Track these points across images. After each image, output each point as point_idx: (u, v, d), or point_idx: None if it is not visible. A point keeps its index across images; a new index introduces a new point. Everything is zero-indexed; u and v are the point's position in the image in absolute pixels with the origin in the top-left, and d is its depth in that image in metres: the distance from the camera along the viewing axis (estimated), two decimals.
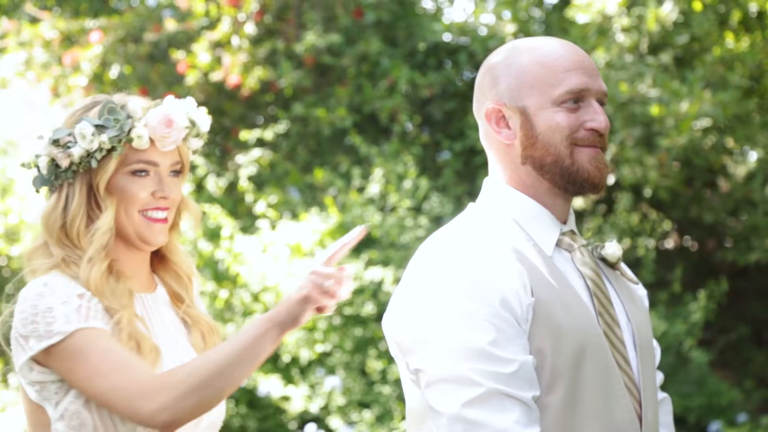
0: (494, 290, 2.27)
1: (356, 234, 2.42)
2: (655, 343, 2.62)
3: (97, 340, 2.40)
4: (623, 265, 2.59)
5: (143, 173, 2.56)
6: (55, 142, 2.53)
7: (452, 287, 2.29)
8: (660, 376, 2.64)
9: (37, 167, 2.58)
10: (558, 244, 2.44)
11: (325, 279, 2.38)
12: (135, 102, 2.56)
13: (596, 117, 2.39)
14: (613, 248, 2.50)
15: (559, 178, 2.41)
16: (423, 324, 2.30)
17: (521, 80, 2.42)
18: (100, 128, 2.51)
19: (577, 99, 2.39)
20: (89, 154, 2.53)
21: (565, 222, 2.47)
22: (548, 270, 2.36)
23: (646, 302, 2.63)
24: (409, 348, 2.34)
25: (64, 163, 2.53)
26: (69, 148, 2.53)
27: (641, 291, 2.63)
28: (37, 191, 2.61)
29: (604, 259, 2.51)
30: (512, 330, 2.25)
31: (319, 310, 2.41)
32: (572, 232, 2.47)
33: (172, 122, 2.56)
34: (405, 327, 2.34)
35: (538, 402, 2.27)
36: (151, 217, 2.58)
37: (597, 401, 2.31)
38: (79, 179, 2.55)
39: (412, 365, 2.33)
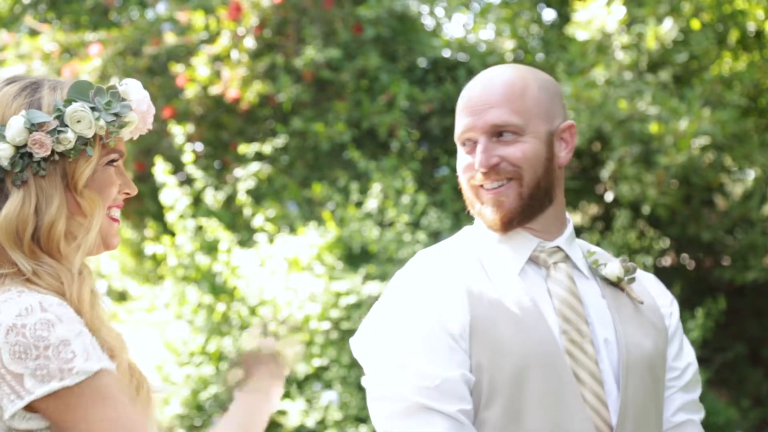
0: (430, 309, 2.36)
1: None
2: (685, 363, 2.58)
3: (117, 386, 2.03)
4: (641, 282, 2.60)
5: (114, 163, 2.19)
6: (33, 127, 2.07)
7: (393, 308, 2.41)
8: (691, 396, 2.58)
9: None
10: (534, 260, 2.48)
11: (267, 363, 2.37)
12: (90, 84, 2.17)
13: (476, 157, 2.44)
14: (611, 267, 2.52)
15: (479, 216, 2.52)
16: (367, 343, 2.42)
17: None
18: (94, 111, 2.12)
19: (470, 139, 2.47)
20: (85, 141, 2.11)
21: (553, 238, 2.50)
22: (503, 288, 2.41)
23: (669, 320, 2.59)
24: (363, 367, 2.44)
25: (42, 152, 2.07)
26: (60, 133, 2.09)
27: (665, 309, 2.60)
28: None
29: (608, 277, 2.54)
30: (443, 347, 2.33)
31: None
32: (558, 248, 2.50)
33: (151, 107, 2.22)
34: (358, 346, 2.46)
35: (477, 417, 2.32)
36: (113, 216, 2.22)
37: (544, 417, 2.33)
38: (52, 172, 2.10)
39: (363, 383, 2.43)
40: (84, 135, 2.09)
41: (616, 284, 2.53)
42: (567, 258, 2.50)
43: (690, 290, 8.75)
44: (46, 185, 2.09)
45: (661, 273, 8.64)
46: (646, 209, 7.99)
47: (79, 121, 2.09)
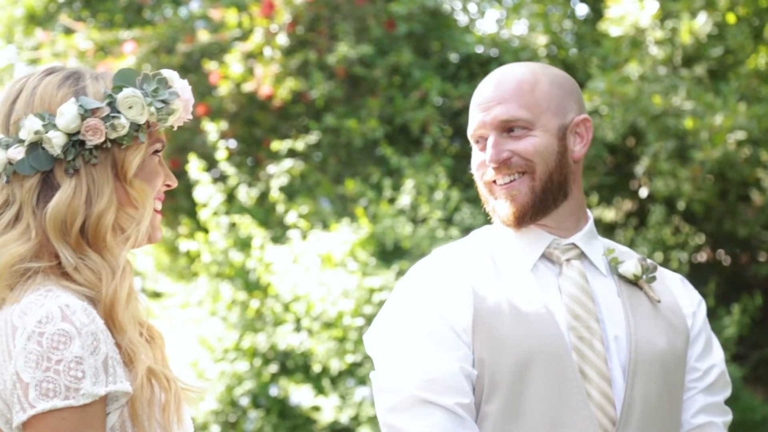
0: (433, 304, 2.38)
1: None
2: (709, 364, 2.55)
3: (102, 419, 1.96)
4: (664, 282, 2.58)
5: (158, 153, 2.16)
6: (87, 114, 2.03)
7: (399, 303, 2.44)
8: (714, 398, 2.55)
9: (38, 145, 2.04)
10: (548, 257, 2.48)
11: None
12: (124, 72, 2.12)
13: (486, 152, 2.45)
14: (628, 266, 2.52)
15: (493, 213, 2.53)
16: (374, 337, 2.45)
17: None
18: (145, 97, 2.08)
19: (482, 136, 2.48)
20: (137, 128, 2.07)
21: (568, 235, 2.50)
22: (513, 284, 2.42)
23: (691, 321, 2.56)
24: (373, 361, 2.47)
25: (95, 139, 2.03)
26: (114, 119, 2.05)
27: (688, 309, 2.57)
28: (25, 175, 2.05)
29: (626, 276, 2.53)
30: (445, 341, 2.35)
31: None
32: (573, 245, 2.50)
33: (191, 96, 2.19)
34: (368, 341, 2.47)
35: (479, 412, 2.34)
36: (156, 208, 2.17)
37: (544, 412, 2.34)
38: (103, 161, 2.06)
39: (371, 377, 2.45)
40: (136, 121, 2.06)
41: (634, 282, 2.53)
42: (582, 255, 2.50)
43: (726, 286, 8.68)
44: (97, 175, 2.05)
45: (696, 269, 8.59)
46: (681, 205, 7.93)
47: (131, 107, 2.05)
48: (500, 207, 2.47)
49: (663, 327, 2.49)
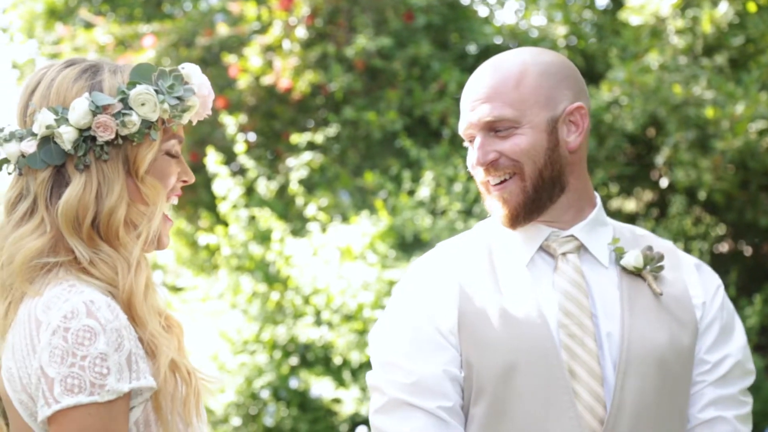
0: (421, 305, 2.38)
1: None
2: (720, 355, 2.45)
3: (125, 417, 1.97)
4: (678, 269, 2.50)
5: (175, 152, 2.15)
6: (98, 110, 2.02)
7: (393, 304, 2.44)
8: (725, 391, 2.45)
9: (50, 139, 2.04)
10: (546, 249, 2.44)
11: None
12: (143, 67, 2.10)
13: (474, 153, 2.42)
14: (629, 257, 2.45)
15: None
16: (372, 337, 2.45)
17: None
18: (158, 94, 2.07)
19: (472, 136, 2.45)
20: (149, 125, 2.07)
21: (567, 227, 2.45)
22: (506, 281, 2.39)
23: (701, 311, 2.47)
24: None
25: (106, 136, 2.03)
26: (125, 116, 2.04)
27: (698, 299, 2.48)
28: (36, 169, 2.06)
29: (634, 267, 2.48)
30: (430, 344, 2.34)
31: None
32: (572, 237, 2.44)
33: (211, 92, 2.18)
34: (370, 339, 2.48)
35: (466, 414, 2.33)
36: (168, 215, 2.18)
37: (530, 415, 2.30)
38: (114, 157, 2.06)
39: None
40: (148, 118, 2.05)
41: (637, 274, 2.46)
42: (582, 247, 2.45)
43: (747, 277, 8.63)
44: (107, 170, 2.05)
45: (717, 259, 8.54)
46: (702, 195, 7.88)
47: (143, 104, 2.04)
48: (495, 208, 2.44)
49: (665, 321, 2.41)
